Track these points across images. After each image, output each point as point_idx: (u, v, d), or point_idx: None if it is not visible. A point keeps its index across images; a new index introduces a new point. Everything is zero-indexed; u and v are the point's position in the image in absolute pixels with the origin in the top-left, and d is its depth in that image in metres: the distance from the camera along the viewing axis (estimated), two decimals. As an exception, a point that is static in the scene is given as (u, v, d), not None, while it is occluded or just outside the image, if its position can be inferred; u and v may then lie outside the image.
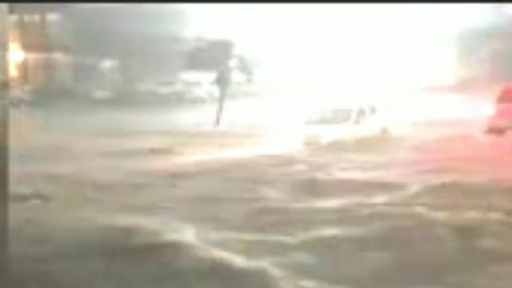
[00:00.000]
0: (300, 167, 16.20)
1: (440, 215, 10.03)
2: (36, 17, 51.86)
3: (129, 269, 7.56)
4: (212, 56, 37.80)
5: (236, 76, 37.41)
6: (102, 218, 10.05)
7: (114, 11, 47.63)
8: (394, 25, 50.20)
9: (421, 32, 50.55)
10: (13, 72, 46.79)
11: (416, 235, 8.94)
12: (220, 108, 30.88)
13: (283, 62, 50.30)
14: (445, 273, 7.39)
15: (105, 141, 22.62)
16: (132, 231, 9.16)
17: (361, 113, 22.63)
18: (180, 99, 45.65)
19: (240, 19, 46.48)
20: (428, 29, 50.21)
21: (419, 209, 10.54)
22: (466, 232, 8.89)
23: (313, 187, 13.09)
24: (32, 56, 51.65)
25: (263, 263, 7.64)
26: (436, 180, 13.21)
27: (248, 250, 8.19)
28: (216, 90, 35.71)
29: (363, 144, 20.35)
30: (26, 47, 50.68)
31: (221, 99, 31.66)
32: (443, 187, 12.49)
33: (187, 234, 9.05)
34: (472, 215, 9.92)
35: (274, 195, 12.37)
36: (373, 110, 23.19)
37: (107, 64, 53.03)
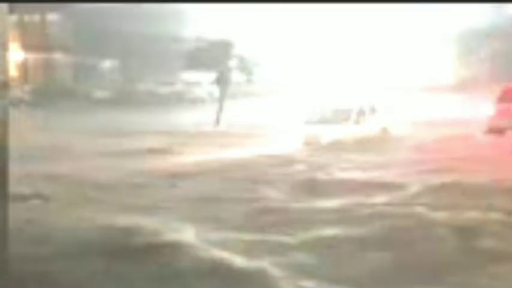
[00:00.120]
0: (300, 167, 16.19)
1: (440, 215, 10.03)
2: (36, 17, 51.86)
3: (129, 269, 7.56)
4: (212, 56, 37.81)
5: (236, 76, 37.41)
6: (102, 218, 10.05)
7: (114, 11, 47.63)
8: (394, 25, 50.21)
9: (421, 32, 50.56)
10: (13, 72, 46.79)
11: (416, 235, 8.94)
12: (220, 108, 30.89)
13: (283, 62, 50.32)
14: (445, 273, 7.39)
15: (105, 141, 22.62)
16: (132, 231, 9.16)
17: (361, 113, 22.63)
18: (180, 99, 45.65)
19: (240, 19, 46.49)
20: (428, 29, 50.22)
21: (419, 209, 10.54)
22: (466, 232, 8.88)
23: (313, 187, 13.09)
24: (32, 56, 51.65)
25: (263, 263, 7.63)
26: (436, 180, 13.21)
27: (248, 250, 8.19)
28: (216, 90, 35.72)
29: (363, 144, 20.35)
30: (26, 47, 50.69)
31: (221, 99, 31.67)
32: (443, 187, 12.49)
33: (187, 234, 9.05)
34: (472, 215, 9.91)
35: (274, 195, 12.36)
36: (373, 110, 23.19)
37: (107, 64, 53.04)
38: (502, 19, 48.19)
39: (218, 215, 10.46)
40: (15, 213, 7.28)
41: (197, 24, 46.57)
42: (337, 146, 20.13)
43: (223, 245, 8.43)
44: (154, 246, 8.43)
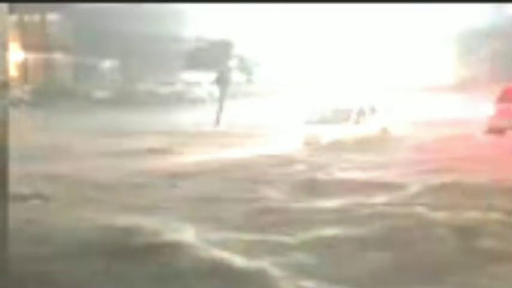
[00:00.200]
0: (300, 167, 16.19)
1: (440, 215, 10.03)
2: (36, 17, 51.86)
3: (129, 269, 7.56)
4: (212, 56, 37.80)
5: (236, 76, 37.41)
6: (102, 218, 10.05)
7: (114, 11, 47.64)
8: (394, 25, 50.21)
9: (421, 32, 50.57)
10: (13, 72, 46.79)
11: (416, 235, 8.94)
12: (220, 108, 30.89)
13: (283, 62, 50.32)
14: (445, 273, 7.40)
15: (105, 141, 22.62)
16: (132, 231, 9.16)
17: (361, 113, 22.63)
18: (180, 99, 45.66)
19: (240, 19, 46.49)
20: (428, 29, 50.23)
21: (419, 209, 10.54)
22: (466, 232, 8.88)
23: (313, 187, 13.09)
24: (32, 56, 51.65)
25: (263, 263, 7.63)
26: (436, 180, 13.21)
27: (248, 250, 8.19)
28: (216, 90, 35.72)
29: (363, 144, 20.35)
30: (26, 47, 50.69)
31: (221, 99, 31.67)
32: (443, 187, 12.49)
33: (187, 234, 9.05)
34: (472, 215, 9.91)
35: (274, 195, 12.36)
36: (373, 110, 23.19)
37: (107, 64, 53.04)
38: (502, 19, 48.19)
39: (218, 215, 10.46)
40: (15, 213, 7.27)
41: (197, 24, 46.57)
42: (337, 146, 20.13)
43: (223, 245, 8.43)
44: (154, 246, 8.43)
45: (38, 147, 19.93)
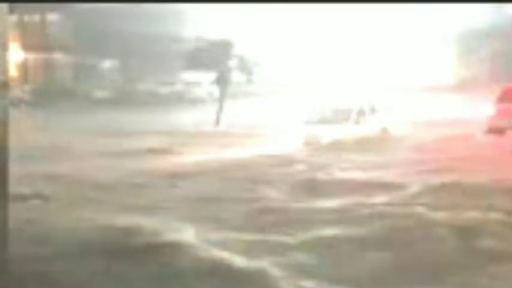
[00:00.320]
0: (300, 167, 16.19)
1: (440, 215, 10.03)
2: (36, 17, 51.87)
3: (129, 269, 7.56)
4: (212, 56, 37.80)
5: (236, 76, 37.40)
6: (102, 218, 10.05)
7: (114, 11, 47.64)
8: (394, 25, 50.21)
9: (421, 32, 50.57)
10: (13, 72, 46.79)
11: (416, 235, 8.94)
12: (220, 108, 30.89)
13: (283, 62, 50.32)
14: (445, 273, 7.40)
15: (105, 141, 22.62)
16: (132, 231, 9.16)
17: (361, 113, 22.63)
18: (180, 99, 45.65)
19: (240, 19, 46.49)
20: (428, 29, 50.22)
21: (419, 209, 10.54)
22: (466, 232, 8.88)
23: (313, 187, 13.09)
24: (32, 56, 51.66)
25: (263, 263, 7.64)
26: (436, 180, 13.21)
27: (248, 250, 8.19)
28: (216, 90, 35.72)
29: (363, 144, 20.35)
30: (26, 47, 50.69)
31: (221, 99, 31.67)
32: (443, 187, 12.49)
33: (187, 234, 9.05)
34: (472, 215, 9.91)
35: (274, 195, 12.36)
36: (373, 110, 23.19)
37: (107, 64, 53.04)
38: (502, 19, 48.19)
39: (218, 215, 10.46)
40: (15, 213, 7.27)
41: (197, 24, 46.57)
42: (337, 146, 20.13)
43: (223, 245, 8.43)
44: (154, 246, 8.43)
45: (38, 147, 19.93)
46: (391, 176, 14.31)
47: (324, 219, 9.98)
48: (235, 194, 12.42)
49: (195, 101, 44.84)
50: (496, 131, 21.78)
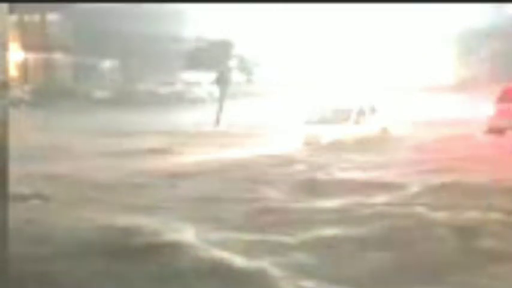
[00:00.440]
0: (300, 167, 16.19)
1: (440, 215, 10.03)
2: (36, 17, 51.87)
3: (129, 269, 7.56)
4: (212, 56, 37.83)
5: (236, 76, 37.41)
6: (102, 218, 10.05)
7: (114, 11, 47.65)
8: (394, 25, 50.20)
9: (421, 32, 50.56)
10: (13, 72, 46.81)
11: (416, 235, 8.94)
12: (220, 108, 30.88)
13: (283, 62, 50.31)
14: (445, 273, 7.40)
15: (105, 141, 22.63)
16: (132, 231, 9.16)
17: (361, 113, 22.62)
18: (180, 99, 45.65)
19: (240, 19, 46.49)
20: (428, 29, 50.21)
21: (419, 209, 10.54)
22: (466, 232, 8.89)
23: (313, 187, 13.09)
24: (32, 56, 51.66)
25: (263, 263, 7.64)
26: (436, 180, 13.21)
27: (248, 250, 8.19)
28: (216, 90, 35.71)
29: (363, 144, 20.35)
30: (26, 47, 50.70)
31: (221, 99, 31.66)
32: (443, 187, 12.49)
33: (187, 234, 9.05)
34: (472, 215, 9.91)
35: (274, 195, 12.36)
36: (373, 110, 23.18)
37: (107, 64, 53.03)
38: (502, 19, 48.19)
39: (218, 215, 10.46)
40: (15, 213, 7.28)
41: (197, 24, 46.58)
42: (337, 146, 20.13)
43: (223, 245, 8.43)
44: (154, 246, 8.43)
45: (38, 147, 19.94)
46: (391, 176, 14.31)
47: (324, 219, 9.98)
48: (235, 194, 12.42)
49: (195, 101, 44.83)
50: (496, 131, 21.78)
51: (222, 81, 32.84)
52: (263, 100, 40.79)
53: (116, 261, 7.76)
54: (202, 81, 44.46)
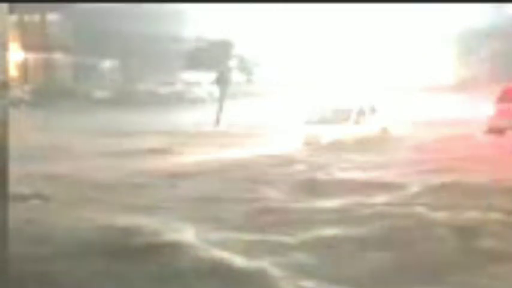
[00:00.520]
0: (300, 167, 16.19)
1: (440, 215, 10.03)
2: (36, 17, 51.87)
3: (129, 269, 7.56)
4: (212, 56, 37.83)
5: (236, 76, 37.40)
6: (102, 218, 10.05)
7: (114, 11, 47.65)
8: (394, 25, 50.21)
9: (421, 32, 50.56)
10: (13, 72, 46.82)
11: (416, 235, 8.94)
12: (220, 108, 30.88)
13: (283, 62, 50.31)
14: (445, 273, 7.40)
15: (105, 141, 22.63)
16: (132, 231, 9.16)
17: (361, 113, 22.62)
18: (180, 99, 45.65)
19: (240, 19, 46.50)
20: (428, 29, 50.22)
21: (419, 209, 10.54)
22: (466, 232, 8.89)
23: (313, 187, 13.09)
24: (32, 56, 51.67)
25: (263, 263, 7.64)
26: (436, 180, 13.21)
27: (248, 250, 8.19)
28: (216, 90, 35.71)
29: (363, 144, 20.35)
30: (26, 47, 50.70)
31: (221, 99, 31.66)
32: (443, 187, 12.49)
33: (187, 234, 9.05)
34: (472, 215, 9.91)
35: (274, 195, 12.36)
36: (373, 110, 23.18)
37: (107, 64, 53.04)
38: (502, 19, 48.19)
39: (218, 215, 10.46)
40: (15, 213, 7.28)
41: (197, 24, 46.58)
42: (337, 146, 20.13)
43: (223, 245, 8.43)
44: (154, 246, 8.43)
45: (38, 147, 19.94)
46: (391, 176, 14.31)
47: (324, 219, 9.98)
48: (235, 194, 12.42)
49: (195, 101, 44.83)
50: (496, 131, 21.78)
51: (222, 81, 32.84)
52: (263, 100, 40.79)
53: (116, 261, 7.76)
54: (202, 81, 44.46)
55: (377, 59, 50.79)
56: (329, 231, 9.17)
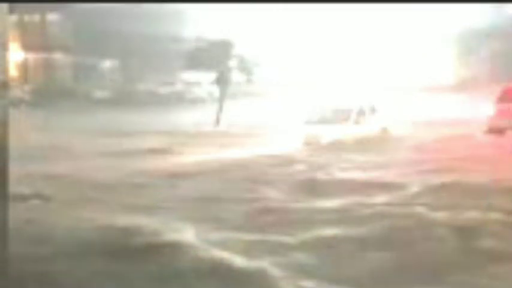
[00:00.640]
0: (300, 167, 16.19)
1: (440, 215, 10.03)
2: (36, 17, 51.88)
3: (129, 269, 7.56)
4: (212, 56, 37.86)
5: (236, 76, 37.41)
6: (102, 218, 10.05)
7: (114, 11, 47.65)
8: (394, 25, 50.22)
9: (421, 32, 50.57)
10: (13, 72, 46.81)
11: (416, 235, 8.94)
12: (220, 108, 30.89)
13: (283, 62, 50.32)
14: (445, 273, 7.40)
15: (105, 141, 22.63)
16: (132, 231, 9.16)
17: (361, 113, 22.62)
18: (180, 99, 45.66)
19: (240, 19, 46.50)
20: (428, 29, 50.22)
21: (419, 209, 10.54)
22: (466, 232, 8.89)
23: (313, 187, 13.09)
24: (32, 56, 51.67)
25: (263, 263, 7.64)
26: (436, 180, 13.21)
27: (248, 250, 8.19)
28: (216, 90, 35.72)
29: (363, 144, 20.35)
30: (26, 47, 50.70)
31: (221, 99, 31.66)
32: (443, 187, 12.49)
33: (187, 234, 9.05)
34: (472, 215, 9.92)
35: (274, 195, 12.36)
36: (373, 110, 23.18)
37: (107, 64, 53.04)
38: (502, 19, 48.20)
39: (218, 215, 10.46)
40: (15, 213, 7.28)
41: (197, 24, 46.60)
42: (337, 146, 20.13)
43: (223, 245, 8.43)
44: (154, 246, 8.44)
45: (38, 147, 19.94)
46: (391, 176, 14.31)
47: (324, 219, 9.98)
48: (235, 194, 12.42)
49: (195, 101, 44.84)
50: (496, 131, 21.77)
51: (222, 81, 32.84)
52: (263, 100, 40.80)
53: (116, 261, 7.77)
54: (202, 81, 44.47)
55: (377, 59, 50.79)
56: (329, 231, 9.17)
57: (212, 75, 34.86)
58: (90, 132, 25.71)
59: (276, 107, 34.79)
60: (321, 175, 14.78)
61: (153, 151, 19.84)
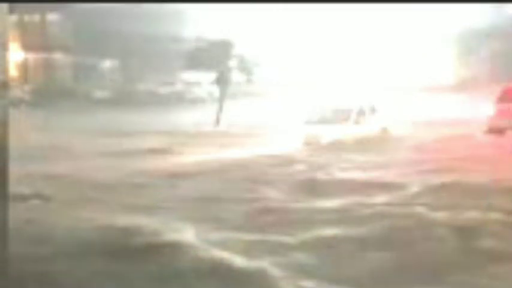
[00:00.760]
0: (300, 167, 16.19)
1: (440, 215, 10.03)
2: (36, 17, 51.88)
3: (129, 269, 7.56)
4: (212, 56, 37.86)
5: (236, 76, 37.41)
6: (102, 218, 10.05)
7: (114, 11, 47.65)
8: (394, 25, 50.22)
9: (421, 32, 50.57)
10: (13, 72, 46.82)
11: (416, 235, 8.94)
12: (220, 108, 30.89)
13: (283, 62, 50.32)
14: (445, 273, 7.40)
15: (105, 141, 22.63)
16: (132, 231, 9.16)
17: (361, 113, 22.62)
18: (180, 99, 45.66)
19: (240, 19, 46.50)
20: (428, 29, 50.23)
21: (419, 209, 10.54)
22: (466, 232, 8.89)
23: (313, 187, 13.09)
24: (32, 56, 51.67)
25: (263, 263, 7.64)
26: (436, 180, 13.21)
27: (248, 250, 8.19)
28: (216, 90, 35.72)
29: (363, 144, 20.35)
30: (26, 47, 50.71)
31: (221, 99, 31.66)
32: (443, 187, 12.49)
33: (187, 234, 9.05)
34: (472, 215, 9.92)
35: (274, 195, 12.36)
36: (373, 110, 23.18)
37: (107, 64, 53.04)
38: (502, 19, 48.20)
39: (218, 215, 10.46)
40: (15, 213, 7.28)
41: (197, 24, 46.60)
42: (337, 146, 20.13)
43: (223, 245, 8.43)
44: (154, 246, 8.44)
45: (38, 147, 19.94)
46: (391, 176, 14.31)
47: (324, 219, 9.98)
48: (235, 194, 12.42)
49: (195, 101, 44.83)
50: (496, 131, 21.77)
51: (222, 81, 32.84)
52: (263, 100, 40.79)
53: (116, 261, 7.77)
54: (202, 81, 44.47)
55: (377, 59, 50.79)
56: (329, 231, 9.17)
57: (212, 75, 34.86)
58: (90, 132, 25.71)
59: (276, 107, 34.79)
60: (321, 175, 14.78)
61: (153, 151, 19.84)
